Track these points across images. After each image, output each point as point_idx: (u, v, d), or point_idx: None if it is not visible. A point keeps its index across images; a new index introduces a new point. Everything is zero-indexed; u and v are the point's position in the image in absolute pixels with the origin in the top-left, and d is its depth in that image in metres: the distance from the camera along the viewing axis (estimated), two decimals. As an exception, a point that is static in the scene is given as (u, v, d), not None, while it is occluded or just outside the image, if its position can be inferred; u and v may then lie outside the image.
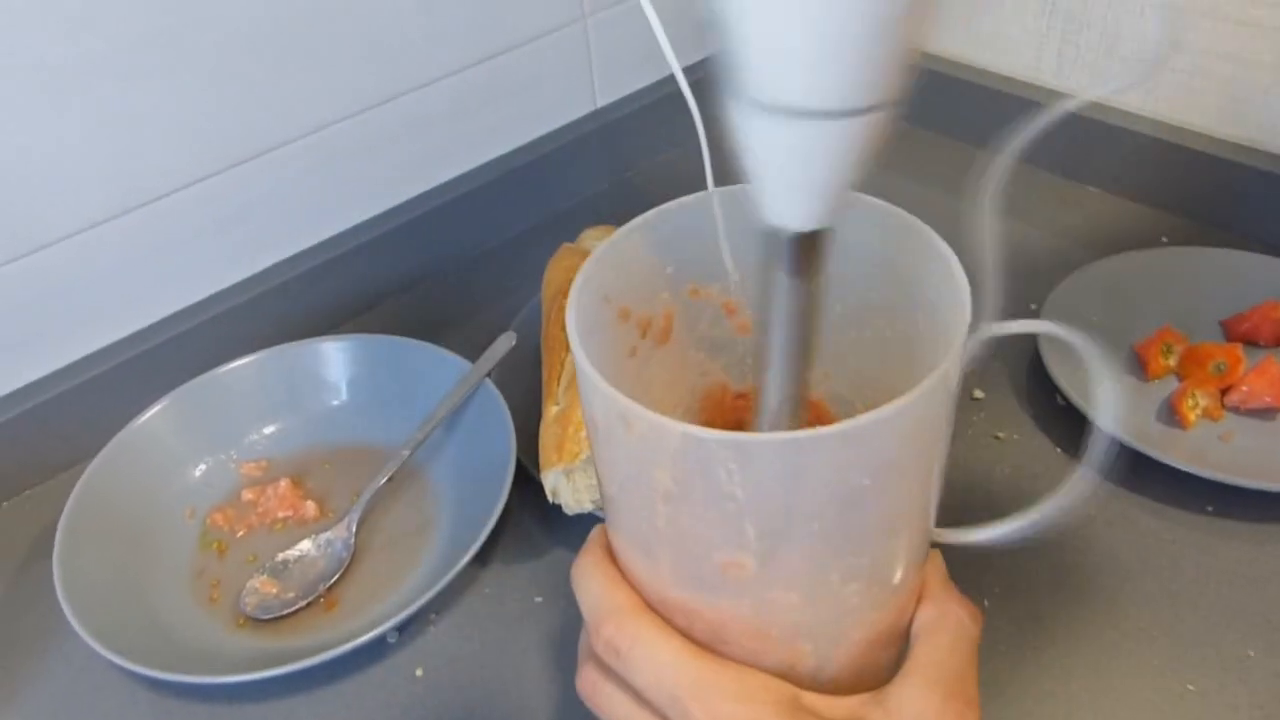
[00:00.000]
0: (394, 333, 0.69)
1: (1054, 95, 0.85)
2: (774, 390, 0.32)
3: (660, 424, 0.28)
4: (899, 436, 0.29)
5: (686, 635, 0.32)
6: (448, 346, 0.67)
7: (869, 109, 0.26)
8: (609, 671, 0.33)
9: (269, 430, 0.67)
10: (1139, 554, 0.56)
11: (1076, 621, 0.53)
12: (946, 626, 0.33)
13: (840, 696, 0.32)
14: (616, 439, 0.31)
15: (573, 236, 0.74)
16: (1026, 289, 0.70)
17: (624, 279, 0.37)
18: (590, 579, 0.34)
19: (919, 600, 0.35)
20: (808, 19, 0.24)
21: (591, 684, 0.34)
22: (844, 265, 0.35)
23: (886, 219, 0.36)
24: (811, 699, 0.32)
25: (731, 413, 0.45)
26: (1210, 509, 0.58)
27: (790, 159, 0.27)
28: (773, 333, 0.31)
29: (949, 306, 0.32)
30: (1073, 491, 0.33)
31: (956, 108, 0.90)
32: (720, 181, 0.38)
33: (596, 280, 0.35)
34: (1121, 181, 0.83)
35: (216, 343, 0.70)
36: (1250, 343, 0.66)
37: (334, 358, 0.68)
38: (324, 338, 0.68)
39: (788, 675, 0.33)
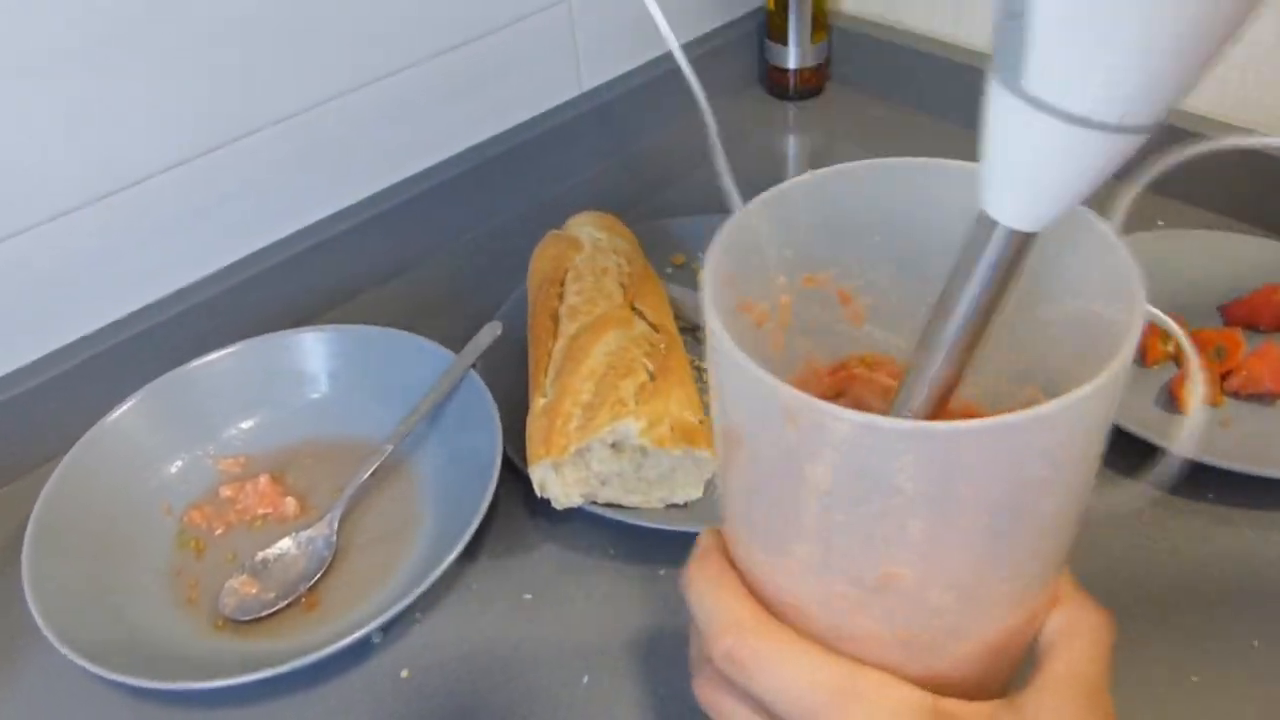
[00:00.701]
0: (377, 322, 0.67)
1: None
2: (935, 375, 0.31)
3: (830, 413, 0.26)
4: (1084, 424, 0.28)
5: (808, 634, 0.31)
6: (432, 336, 0.65)
7: (1148, 128, 0.25)
8: (728, 683, 0.32)
9: (247, 425, 0.65)
10: (1139, 543, 0.55)
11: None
12: (1082, 632, 0.32)
13: (974, 702, 0.31)
14: (769, 431, 0.29)
15: (560, 223, 0.72)
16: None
17: (742, 268, 0.35)
18: (707, 587, 0.33)
19: (1053, 605, 0.34)
20: (1144, 38, 0.23)
21: (710, 695, 0.33)
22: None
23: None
24: (949, 705, 0.30)
25: (829, 389, 0.43)
26: (1211, 496, 0.57)
27: (1051, 164, 0.26)
28: (953, 320, 0.30)
29: (1111, 292, 0.31)
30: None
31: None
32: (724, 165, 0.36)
33: (721, 267, 0.33)
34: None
35: (193, 335, 0.68)
36: (1250, 327, 0.65)
37: (314, 349, 0.66)
38: (303, 329, 0.66)
39: (917, 677, 0.31)
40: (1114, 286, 0.31)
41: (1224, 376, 0.61)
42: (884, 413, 0.36)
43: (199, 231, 0.70)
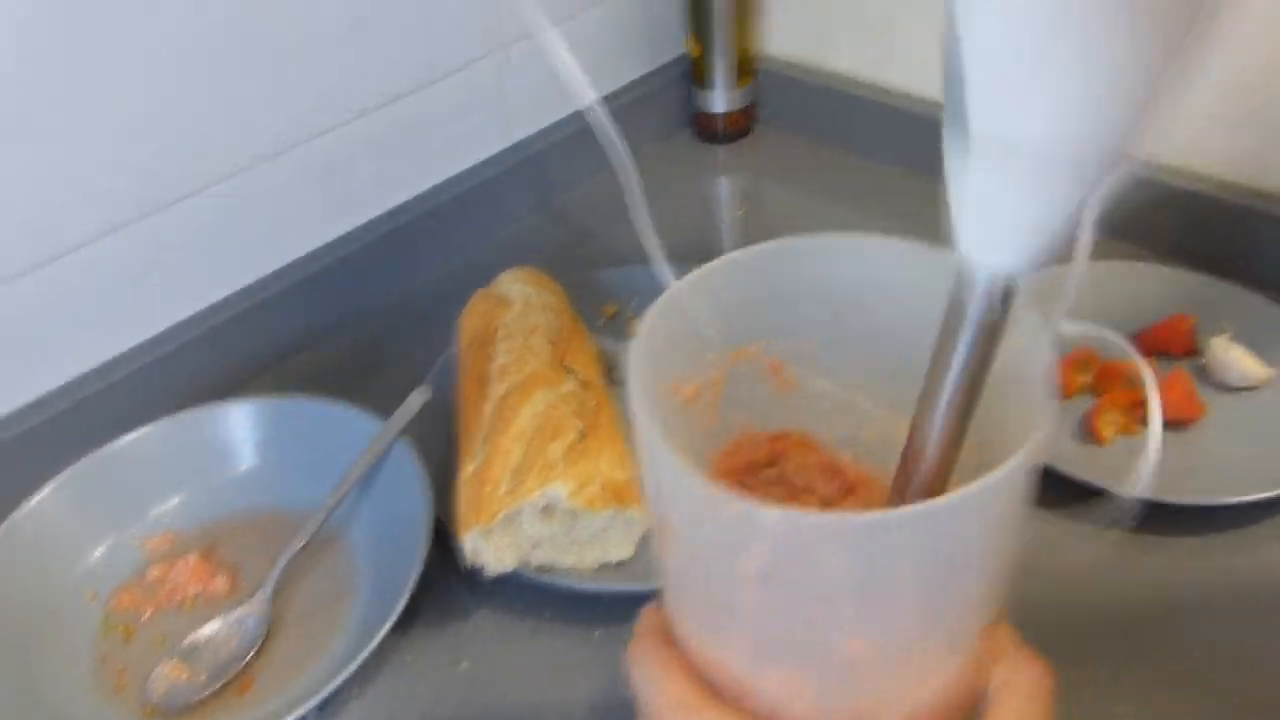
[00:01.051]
0: (306, 388, 0.66)
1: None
2: (932, 439, 0.31)
3: (755, 511, 0.27)
4: (1008, 497, 0.28)
5: (751, 712, 0.31)
6: (363, 401, 0.64)
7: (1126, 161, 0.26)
8: None
9: (174, 502, 0.64)
10: (1061, 574, 0.56)
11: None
12: (1022, 686, 0.33)
13: None
14: (699, 524, 0.30)
15: (489, 279, 0.73)
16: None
17: (672, 349, 0.36)
18: (650, 667, 0.33)
19: (994, 659, 0.35)
20: (1111, 74, 0.24)
21: None
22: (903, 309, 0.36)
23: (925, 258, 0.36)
24: None
25: (766, 455, 0.45)
26: (1131, 524, 0.58)
27: (1031, 201, 0.27)
28: (945, 383, 0.30)
29: (1029, 370, 0.31)
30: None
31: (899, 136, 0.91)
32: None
33: (649, 351, 0.34)
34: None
35: (113, 412, 0.67)
36: (1162, 355, 0.67)
37: (239, 422, 0.65)
38: (227, 401, 0.65)
39: None
40: (1032, 367, 0.32)
41: (1137, 406, 0.63)
42: (823, 487, 0.38)
43: (118, 306, 0.69)
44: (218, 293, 0.74)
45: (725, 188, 0.95)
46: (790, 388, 0.43)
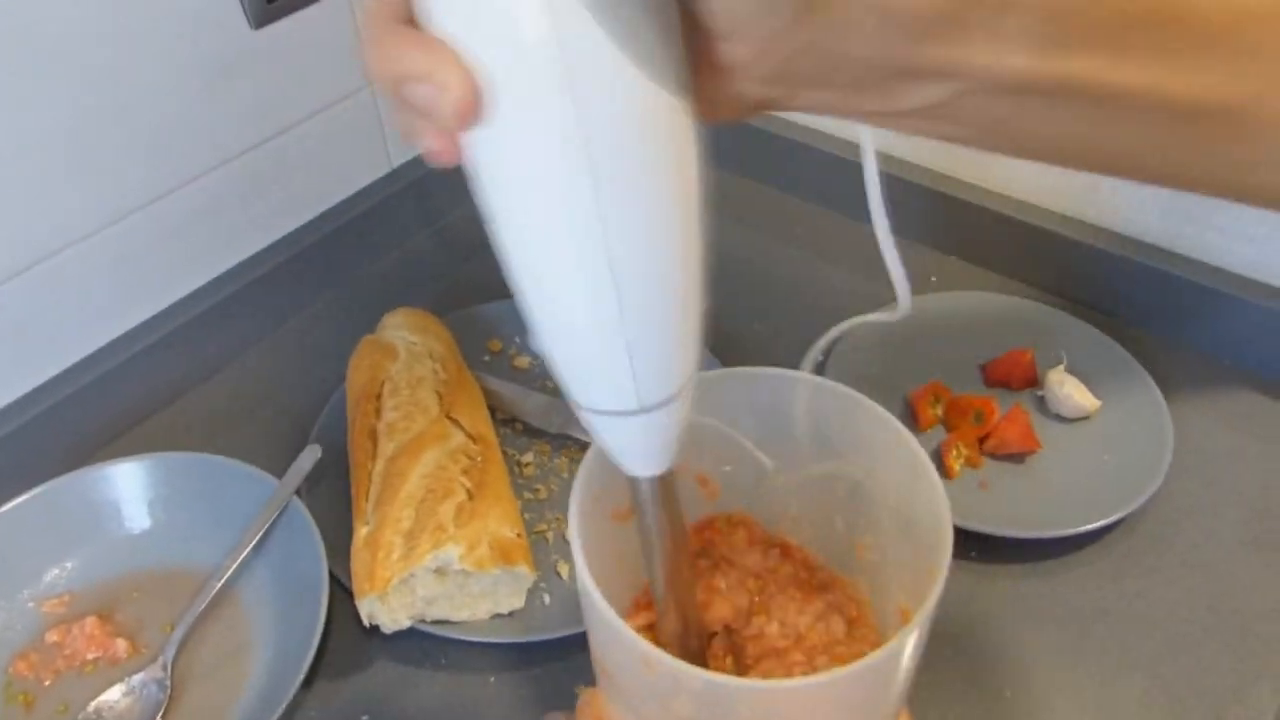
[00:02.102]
0: (193, 436, 0.68)
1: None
2: (659, 590, 0.40)
3: (682, 669, 0.34)
4: (895, 661, 0.35)
5: None
6: (251, 446, 0.66)
7: (672, 398, 0.32)
8: None
9: (69, 564, 0.65)
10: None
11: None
12: None
13: None
14: (634, 671, 0.37)
15: (375, 314, 0.75)
16: (802, 338, 0.75)
17: (608, 479, 0.42)
18: None
19: None
20: (603, 356, 0.31)
21: None
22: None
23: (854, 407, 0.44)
24: None
25: (694, 544, 0.51)
26: (974, 554, 0.65)
27: (620, 440, 0.34)
28: (651, 548, 0.39)
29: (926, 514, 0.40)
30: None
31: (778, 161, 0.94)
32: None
33: (588, 488, 0.41)
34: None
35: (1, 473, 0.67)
36: (1005, 387, 0.73)
37: (130, 481, 0.66)
38: (116, 460, 0.66)
39: None
40: (931, 511, 0.40)
41: (982, 440, 0.69)
42: (745, 565, 0.49)
43: (-2, 363, 0.68)
44: (90, 346, 0.74)
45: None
46: (715, 495, 0.49)
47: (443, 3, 0.26)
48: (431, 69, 0.26)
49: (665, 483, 0.36)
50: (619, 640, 0.36)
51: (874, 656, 0.34)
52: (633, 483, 0.37)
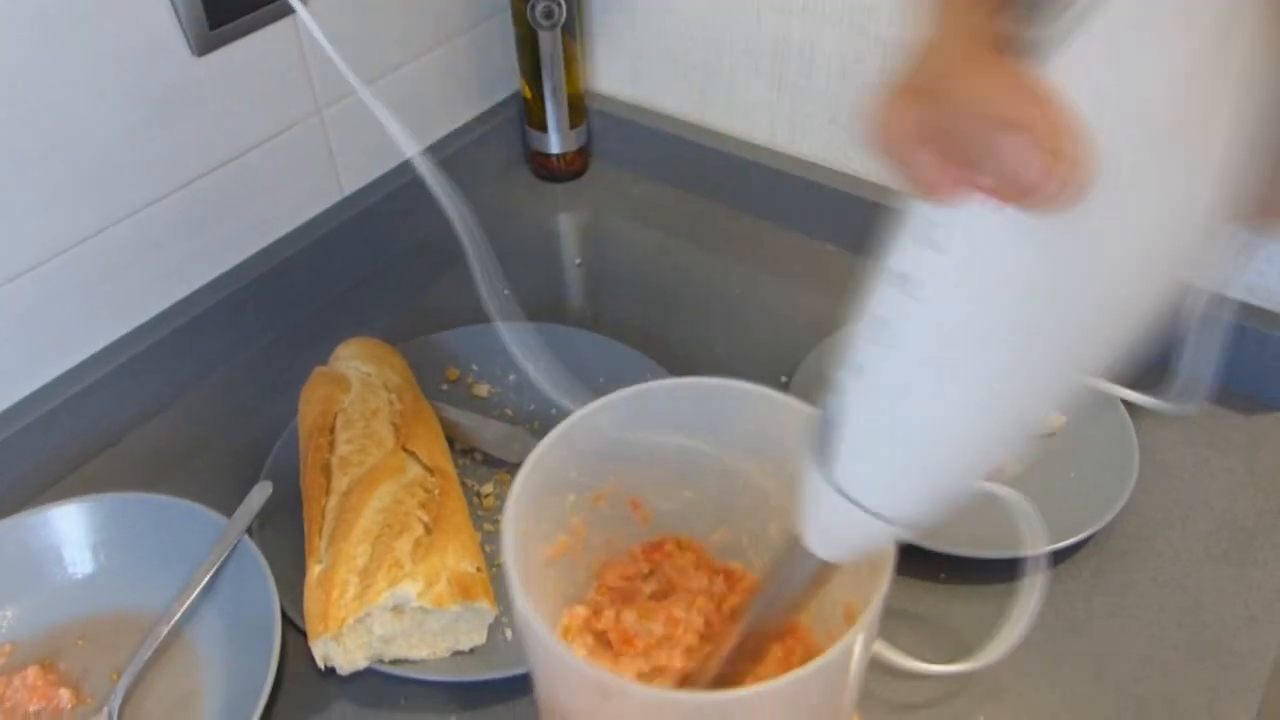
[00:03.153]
0: (138, 477, 0.65)
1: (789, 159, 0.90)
2: (757, 628, 0.40)
3: (637, 691, 0.35)
4: (845, 660, 0.35)
5: None
6: (200, 484, 0.64)
7: (916, 526, 0.33)
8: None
9: (9, 613, 0.62)
10: (881, 626, 0.61)
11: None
12: None
13: None
14: (588, 704, 0.36)
15: (327, 345, 0.73)
16: (780, 358, 0.75)
17: (537, 510, 0.42)
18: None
19: None
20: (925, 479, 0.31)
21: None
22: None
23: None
24: None
25: (644, 564, 0.51)
26: (942, 576, 0.64)
27: (851, 531, 0.34)
28: (769, 608, 0.39)
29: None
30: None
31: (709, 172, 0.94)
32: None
33: (517, 525, 0.40)
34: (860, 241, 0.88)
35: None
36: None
37: (71, 524, 0.64)
38: (56, 504, 0.64)
39: None
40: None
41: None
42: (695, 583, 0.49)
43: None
44: (30, 385, 0.71)
45: (565, 224, 0.97)
46: (648, 520, 0.48)
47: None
48: (1051, 126, 0.23)
49: (826, 569, 0.37)
50: (565, 667, 0.36)
51: (820, 660, 0.34)
52: (797, 552, 0.37)
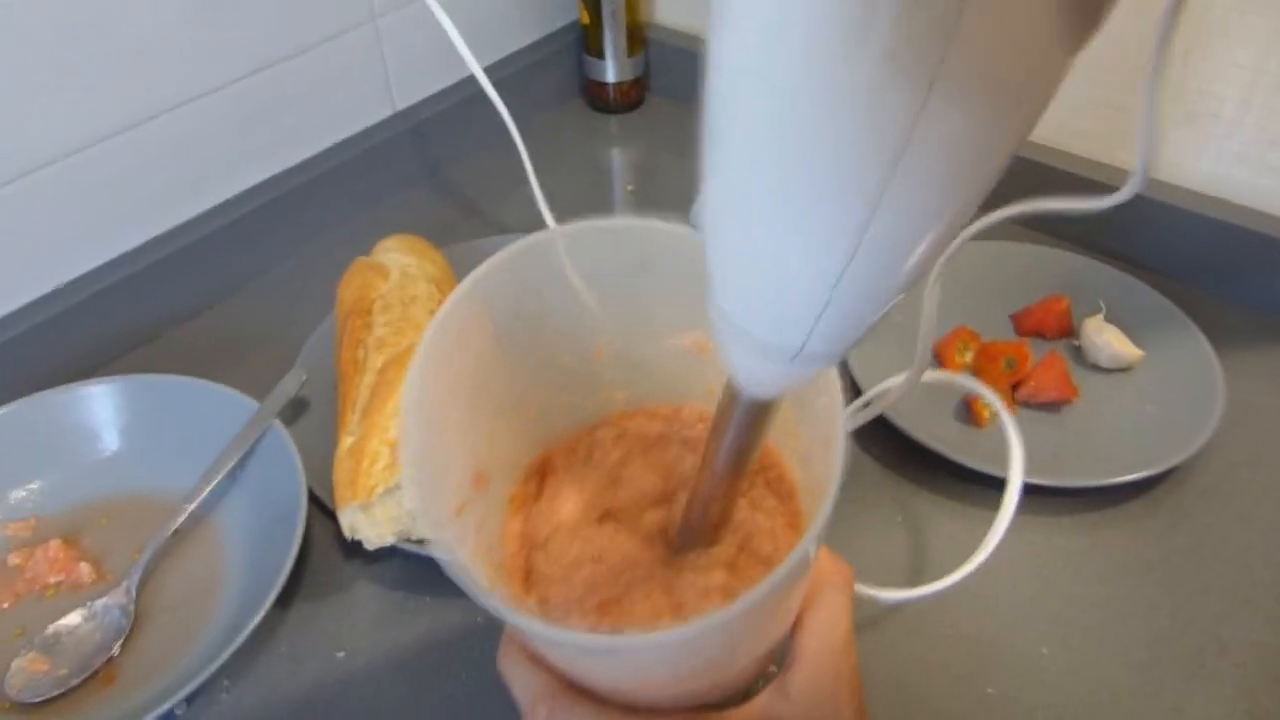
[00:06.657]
0: (179, 369, 0.63)
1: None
2: (710, 495, 0.36)
3: (557, 635, 0.33)
4: (787, 583, 0.31)
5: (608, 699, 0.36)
6: (239, 379, 0.62)
7: (831, 359, 0.28)
8: None
9: (35, 485, 0.61)
10: (934, 556, 0.58)
11: (873, 628, 0.54)
12: (824, 603, 0.37)
13: (747, 704, 0.36)
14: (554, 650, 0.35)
15: (369, 249, 0.71)
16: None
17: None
18: (516, 668, 0.37)
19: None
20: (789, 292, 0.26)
21: None
22: None
23: None
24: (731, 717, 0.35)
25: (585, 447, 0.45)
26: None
27: (749, 363, 0.29)
28: (720, 450, 0.34)
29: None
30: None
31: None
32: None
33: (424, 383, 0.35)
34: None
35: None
36: (1038, 336, 0.69)
37: (101, 403, 0.62)
38: (87, 381, 0.62)
39: (705, 691, 0.36)
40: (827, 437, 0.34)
41: (1015, 387, 0.64)
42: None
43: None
44: (76, 269, 0.70)
45: (617, 158, 0.94)
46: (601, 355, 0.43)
47: None
48: None
49: (767, 407, 0.32)
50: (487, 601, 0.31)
51: (742, 598, 0.29)
52: (731, 392, 0.32)
